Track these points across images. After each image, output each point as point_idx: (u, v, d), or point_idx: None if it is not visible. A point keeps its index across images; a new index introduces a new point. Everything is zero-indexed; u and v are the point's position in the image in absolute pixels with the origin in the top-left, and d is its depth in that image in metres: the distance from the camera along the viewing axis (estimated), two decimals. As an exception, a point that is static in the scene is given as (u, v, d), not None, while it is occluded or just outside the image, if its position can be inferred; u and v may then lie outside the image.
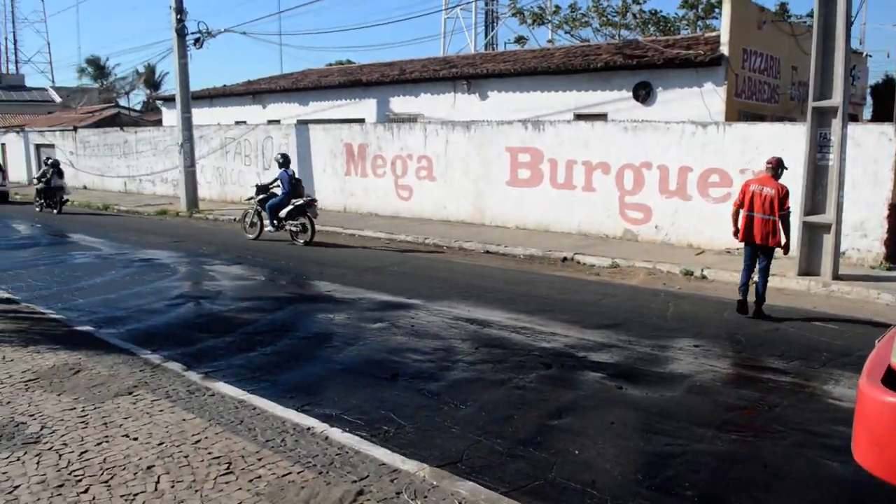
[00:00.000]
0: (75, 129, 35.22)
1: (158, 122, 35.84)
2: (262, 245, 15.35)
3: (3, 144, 43.28)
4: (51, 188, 23.69)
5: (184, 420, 5.07)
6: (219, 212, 21.87)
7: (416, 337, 7.87)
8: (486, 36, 45.10)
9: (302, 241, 15.58)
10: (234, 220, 20.02)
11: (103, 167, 32.69)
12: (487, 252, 14.49)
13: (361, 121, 22.20)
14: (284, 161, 16.47)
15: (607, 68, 17.71)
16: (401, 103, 22.70)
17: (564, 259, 13.52)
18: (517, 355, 7.19)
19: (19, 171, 41.21)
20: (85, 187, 33.98)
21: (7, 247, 15.90)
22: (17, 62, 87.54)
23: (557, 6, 32.95)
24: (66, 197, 24.09)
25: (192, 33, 22.46)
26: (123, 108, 49.14)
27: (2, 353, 6.76)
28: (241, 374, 6.53)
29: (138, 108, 61.02)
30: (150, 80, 72.10)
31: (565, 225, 16.23)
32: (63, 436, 4.81)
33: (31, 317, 8.31)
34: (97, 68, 73.18)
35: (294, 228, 15.78)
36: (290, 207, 15.69)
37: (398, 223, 18.27)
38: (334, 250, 14.69)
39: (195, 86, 27.89)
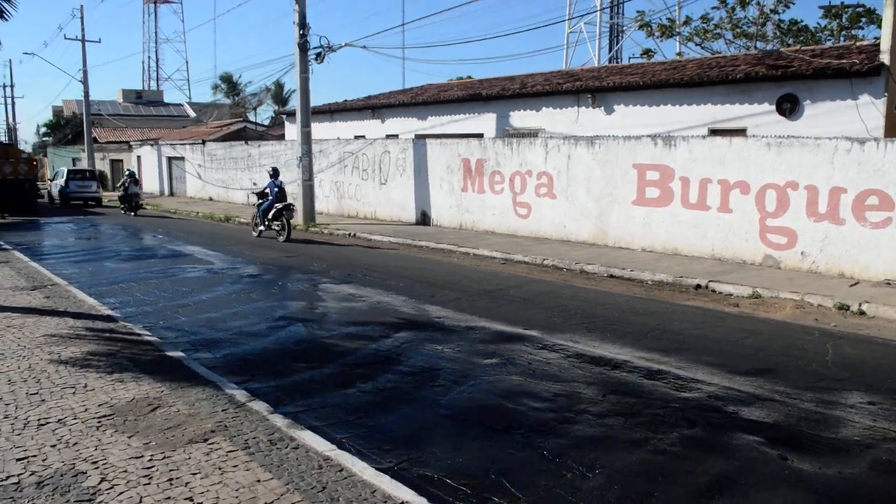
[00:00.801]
0: (203, 142, 36.25)
1: (282, 137, 36.42)
2: (377, 262, 14.80)
3: (140, 157, 45.28)
4: (128, 194, 29.25)
5: (258, 481, 4.34)
6: (334, 226, 21.62)
7: (534, 378, 6.93)
8: (610, 49, 43.71)
9: (281, 238, 18.71)
10: (349, 234, 19.65)
11: (228, 179, 33.42)
12: (611, 276, 13.38)
13: (480, 136, 21.47)
14: (274, 173, 19.99)
15: (747, 80, 16.27)
16: (521, 118, 21.86)
17: (698, 287, 12.25)
18: (653, 407, 6.14)
19: (152, 182, 42.95)
20: (211, 199, 34.90)
21: (127, 257, 16.03)
22: (157, 79, 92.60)
23: (688, 17, 31.35)
24: (140, 202, 29.69)
25: (314, 48, 22.47)
26: (250, 122, 50.59)
27: (84, 380, 6.31)
28: (334, 417, 5.80)
29: (266, 122, 62.84)
30: (279, 95, 74.37)
31: (697, 249, 14.88)
32: (121, 493, 4.18)
33: (125, 338, 7.91)
34: (230, 85, 76.08)
35: (276, 228, 19.09)
36: (274, 210, 19.03)
37: (515, 242, 17.37)
38: (454, 265, 13.95)
39: (317, 101, 28.08)
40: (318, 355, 7.76)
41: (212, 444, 4.88)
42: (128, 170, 31.73)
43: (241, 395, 5.93)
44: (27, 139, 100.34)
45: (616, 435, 5.52)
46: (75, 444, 4.90)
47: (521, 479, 4.71)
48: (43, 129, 79.12)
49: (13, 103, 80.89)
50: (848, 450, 5.31)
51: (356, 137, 26.27)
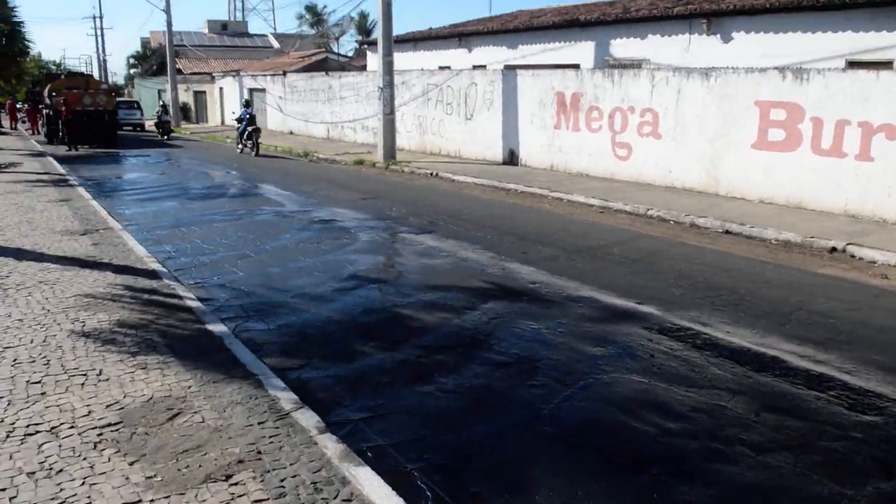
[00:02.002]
0: (284, 73, 35.14)
1: (364, 68, 34.97)
2: (461, 208, 13.34)
3: (221, 88, 44.71)
4: (161, 121, 35.09)
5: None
6: (415, 164, 20.20)
7: (661, 380, 5.38)
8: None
9: (253, 154, 24.50)
10: (431, 174, 18.23)
11: (308, 112, 32.31)
12: (727, 232, 11.58)
13: (576, 67, 19.49)
14: (247, 104, 26.90)
15: (897, 1, 13.83)
16: (623, 46, 19.76)
17: (833, 250, 10.36)
18: (826, 437, 4.54)
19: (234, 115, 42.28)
20: (291, 132, 33.94)
21: (195, 196, 15.06)
22: (243, 10, 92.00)
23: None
24: (170, 128, 35.50)
25: (397, -31, 20.73)
26: (333, 53, 49.26)
27: (102, 363, 5.12)
28: (405, 432, 4.45)
29: (349, 54, 61.46)
30: (363, 26, 72.84)
31: (827, 202, 12.85)
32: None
33: (165, 302, 6.72)
34: (314, 15, 74.84)
35: (249, 146, 25.04)
36: (246, 133, 25.02)
37: (614, 188, 15.60)
38: (546, 213, 12.39)
39: (401, 30, 26.45)
40: (390, 332, 6.41)
41: (236, 482, 3.57)
42: (161, 102, 38.22)
43: (287, 398, 4.59)
44: (117, 70, 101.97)
45: (786, 484, 3.96)
46: (60, 471, 3.69)
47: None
48: (131, 61, 79.80)
49: (102, 35, 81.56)
50: None
51: (441, 68, 24.57)
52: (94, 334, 5.72)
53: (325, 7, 73.94)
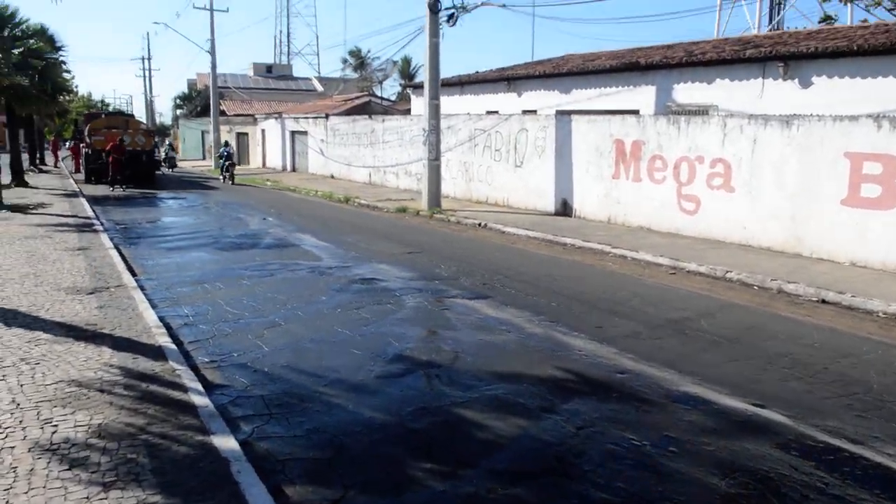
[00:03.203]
0: (327, 116, 34.32)
1: (407, 112, 34.02)
2: (516, 265, 11.92)
3: (264, 130, 44.14)
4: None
5: None
6: (462, 213, 18.89)
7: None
8: (770, 18, 38.87)
9: (230, 182, 30.39)
10: (479, 225, 16.90)
11: (350, 156, 31.34)
12: (823, 301, 9.99)
13: (634, 112, 18.12)
14: (226, 144, 33.83)
15: None
16: (687, 91, 18.36)
17: (960, 326, 8.73)
18: None
19: (275, 157, 41.69)
20: (332, 176, 33.00)
21: (226, 245, 13.87)
22: (288, 54, 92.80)
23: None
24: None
25: (446, 9, 19.74)
26: (376, 96, 48.62)
27: (60, 501, 3.74)
28: None
29: (392, 98, 60.97)
30: (405, 70, 72.62)
31: (935, 267, 11.22)
32: None
33: (165, 395, 5.36)
34: (357, 59, 74.96)
35: (226, 176, 31.10)
36: (224, 167, 31.20)
37: (681, 245, 14.07)
38: (612, 274, 10.90)
39: (446, 74, 25.45)
40: (451, 446, 4.97)
41: None
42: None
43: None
44: (163, 111, 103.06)
45: None
46: None
47: None
48: (177, 102, 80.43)
49: (150, 75, 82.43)
50: None
51: (488, 113, 23.38)
52: (64, 449, 4.38)
53: (368, 51, 73.77)
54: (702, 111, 17.19)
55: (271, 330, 7.84)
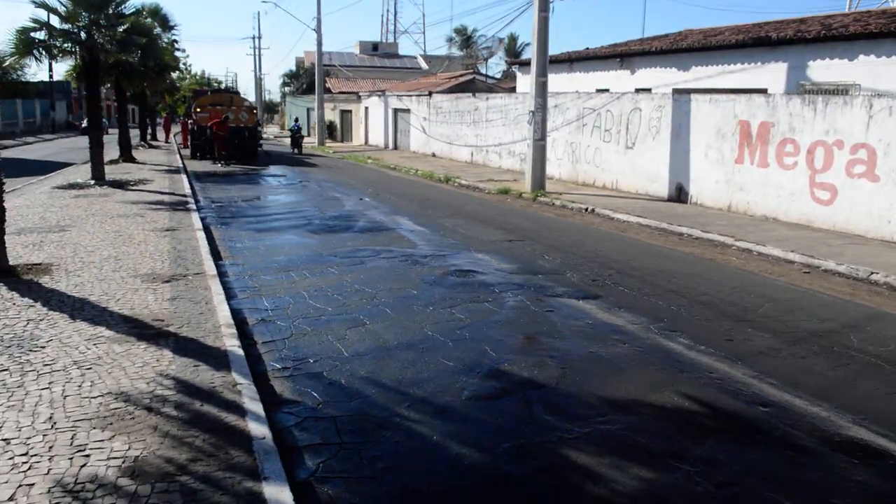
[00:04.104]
0: (430, 94, 33.56)
1: (512, 90, 32.84)
2: (628, 257, 10.76)
3: (367, 108, 43.86)
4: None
5: None
6: (567, 196, 17.73)
7: None
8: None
9: (297, 152, 34.97)
10: (585, 210, 15.74)
11: (452, 135, 30.52)
12: None
13: (761, 91, 16.46)
14: (296, 120, 38.20)
15: None
16: (824, 69, 16.53)
17: None
18: None
19: (377, 135, 41.31)
20: (434, 155, 32.31)
21: (318, 228, 13.24)
22: (395, 32, 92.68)
23: None
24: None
25: (557, -21, 18.46)
26: (480, 74, 47.55)
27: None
28: None
29: (497, 76, 59.75)
30: (512, 48, 71.21)
31: None
32: None
33: (219, 421, 4.58)
34: (463, 37, 74.09)
35: (295, 150, 35.33)
36: (293, 140, 35.70)
37: (813, 238, 12.54)
38: (736, 272, 9.60)
39: (554, 51, 24.19)
40: None
41: None
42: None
43: None
44: (272, 89, 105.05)
45: None
46: None
47: None
48: (283, 80, 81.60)
49: (259, 54, 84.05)
50: None
51: (598, 91, 21.99)
52: (87, 491, 3.65)
53: (474, 30, 72.60)
54: (841, 90, 15.41)
55: (354, 330, 7.03)
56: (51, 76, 56.74)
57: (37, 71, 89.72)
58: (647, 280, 9.42)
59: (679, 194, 17.17)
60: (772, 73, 17.77)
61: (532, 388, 5.66)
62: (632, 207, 15.79)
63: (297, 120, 39.80)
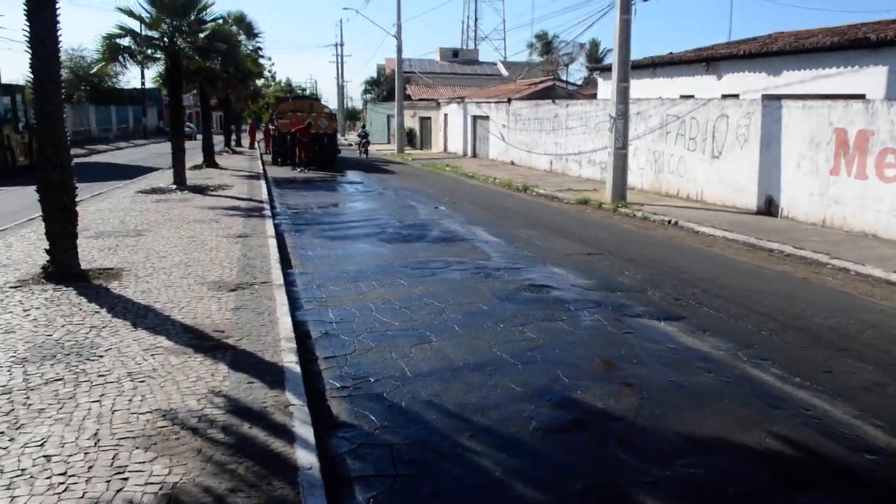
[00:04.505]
0: (509, 100, 33.18)
1: (593, 96, 32.16)
2: (715, 274, 10.12)
3: (446, 115, 43.77)
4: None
5: None
6: (649, 207, 17.08)
7: None
8: None
9: (365, 156, 37.39)
10: (668, 222, 15.09)
11: (531, 142, 30.08)
12: None
13: (859, 97, 15.47)
14: (363, 127, 42.58)
15: None
16: (931, 73, 15.46)
17: None
18: None
19: (456, 142, 41.15)
20: (512, 163, 31.94)
21: (390, 237, 13.02)
22: (475, 39, 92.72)
23: None
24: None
25: (641, -19, 17.86)
26: (560, 80, 46.89)
27: None
28: None
29: (578, 82, 58.94)
30: (593, 54, 70.28)
31: None
32: None
33: (265, 448, 4.29)
34: (544, 43, 73.59)
35: (362, 151, 38.51)
36: (361, 144, 38.56)
37: (923, 258, 11.61)
38: (833, 294, 8.88)
39: (635, 55, 23.49)
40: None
41: None
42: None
43: None
44: (353, 96, 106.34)
45: None
46: None
47: None
48: (365, 87, 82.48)
49: (341, 61, 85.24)
50: None
51: (682, 97, 21.20)
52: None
53: (555, 35, 71.89)
54: (950, 96, 14.36)
55: (420, 347, 6.71)
56: (143, 83, 58.81)
57: (130, 79, 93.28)
58: (734, 300, 8.80)
59: (768, 207, 16.31)
60: (871, 78, 16.73)
61: (606, 420, 5.21)
62: (718, 220, 15.05)
63: (364, 126, 46.98)
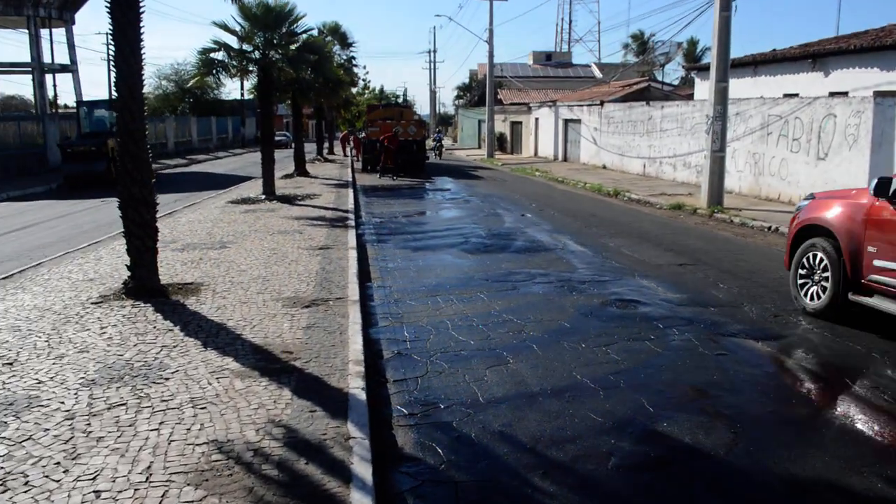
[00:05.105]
0: (601, 103, 32.41)
1: (689, 97, 31.05)
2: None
3: (537, 119, 43.31)
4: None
5: None
6: (747, 213, 16.23)
7: None
8: None
9: (439, 158, 40.32)
10: (768, 229, 14.25)
11: (624, 146, 29.31)
12: None
13: None
14: (439, 131, 47.94)
15: None
16: None
17: None
18: None
19: (547, 146, 40.62)
20: (604, 166, 31.23)
21: (473, 247, 12.72)
22: (569, 41, 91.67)
23: None
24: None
25: (739, -24, 16.97)
26: (656, 81, 45.64)
27: None
28: None
29: (675, 83, 57.30)
30: (691, 53, 68.26)
31: None
32: None
33: (320, 488, 4.01)
34: (640, 44, 72.11)
35: (435, 153, 41.61)
36: (435, 147, 41.65)
37: None
38: None
39: (735, 53, 22.49)
40: None
41: None
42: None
43: None
44: (446, 101, 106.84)
45: None
46: None
47: None
48: (457, 92, 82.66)
49: (434, 68, 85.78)
50: None
51: (786, 96, 20.11)
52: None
53: (651, 35, 70.17)
54: None
55: (495, 370, 6.36)
56: (242, 95, 60.60)
57: (231, 90, 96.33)
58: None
59: (881, 211, 15.17)
60: None
61: (694, 457, 4.72)
62: (824, 226, 14.06)
63: (439, 131, 51.62)
